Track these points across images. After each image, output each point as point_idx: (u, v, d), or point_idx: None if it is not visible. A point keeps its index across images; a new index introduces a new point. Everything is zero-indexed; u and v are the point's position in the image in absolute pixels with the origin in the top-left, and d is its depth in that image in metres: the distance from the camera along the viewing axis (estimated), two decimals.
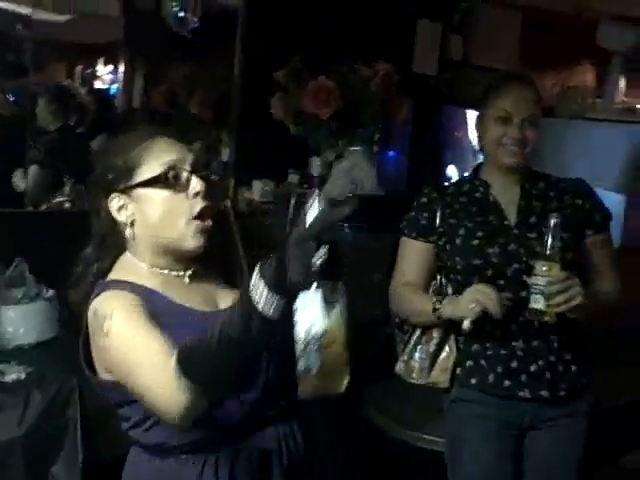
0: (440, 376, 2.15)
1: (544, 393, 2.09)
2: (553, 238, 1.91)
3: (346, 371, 1.27)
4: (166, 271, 1.54)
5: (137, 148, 1.50)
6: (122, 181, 1.50)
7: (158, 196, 1.48)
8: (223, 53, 4.14)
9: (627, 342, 3.63)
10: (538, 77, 5.21)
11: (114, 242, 1.55)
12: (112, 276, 1.53)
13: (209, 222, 1.51)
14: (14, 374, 2.34)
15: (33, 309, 2.59)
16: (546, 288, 1.89)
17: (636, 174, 4.14)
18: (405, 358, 2.20)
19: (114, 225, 1.53)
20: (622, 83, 5.12)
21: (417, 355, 2.17)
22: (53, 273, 2.67)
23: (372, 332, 2.76)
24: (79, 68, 7.78)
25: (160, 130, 1.56)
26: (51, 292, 2.68)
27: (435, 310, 2.06)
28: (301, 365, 1.24)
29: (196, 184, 1.48)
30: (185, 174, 1.49)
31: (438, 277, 2.20)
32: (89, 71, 7.73)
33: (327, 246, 1.19)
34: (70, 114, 4.68)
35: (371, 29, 4.16)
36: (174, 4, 3.75)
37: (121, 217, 1.51)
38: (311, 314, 1.22)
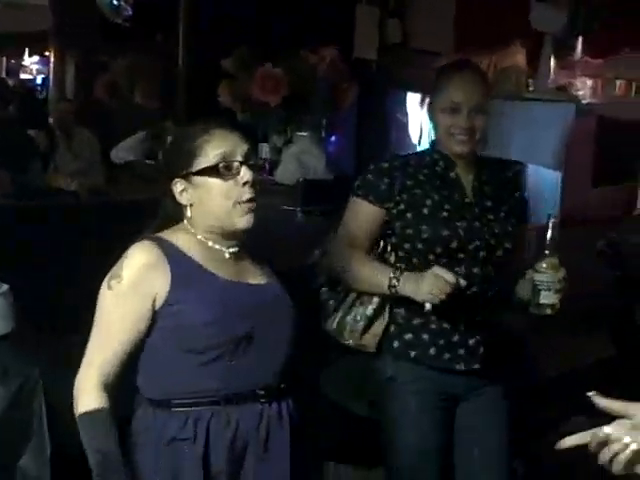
0: (371, 340, 2.14)
1: (476, 366, 2.18)
2: (552, 236, 2.02)
3: None
4: (210, 243, 1.70)
5: (197, 140, 1.67)
6: (183, 168, 1.68)
7: (213, 183, 1.65)
8: (166, 41, 4.14)
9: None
10: (473, 58, 5.34)
11: (175, 220, 1.72)
12: (160, 233, 1.70)
13: (254, 204, 1.66)
14: None
15: None
16: (555, 284, 1.99)
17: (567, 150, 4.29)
18: (338, 317, 2.17)
19: (176, 207, 1.70)
20: (553, 63, 5.28)
21: (351, 316, 2.15)
22: (5, 267, 2.67)
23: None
24: (4, 59, 7.60)
25: (219, 123, 1.71)
26: (5, 287, 2.65)
27: (391, 287, 2.06)
28: None
29: (245, 174, 1.64)
30: (236, 164, 1.64)
31: (382, 243, 2.23)
32: (14, 61, 7.56)
33: None
34: (5, 105, 4.62)
35: (314, 17, 4.21)
36: None
37: (182, 199, 1.68)
38: None
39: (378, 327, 2.15)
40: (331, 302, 2.20)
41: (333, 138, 3.78)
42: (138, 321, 1.64)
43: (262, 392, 1.68)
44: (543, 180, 4.59)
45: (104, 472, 1.57)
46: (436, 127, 2.22)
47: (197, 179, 1.67)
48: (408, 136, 4.57)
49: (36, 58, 7.88)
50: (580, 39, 5.09)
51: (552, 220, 2.02)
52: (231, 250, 1.70)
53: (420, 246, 2.14)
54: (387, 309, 2.15)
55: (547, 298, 2.02)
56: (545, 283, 2.01)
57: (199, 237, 1.69)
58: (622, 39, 5.35)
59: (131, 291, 1.63)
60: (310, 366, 2.91)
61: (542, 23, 4.93)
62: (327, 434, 2.99)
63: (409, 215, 2.14)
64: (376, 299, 2.13)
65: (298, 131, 3.55)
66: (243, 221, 1.65)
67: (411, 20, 4.96)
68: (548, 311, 2.04)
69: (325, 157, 3.50)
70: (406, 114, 4.43)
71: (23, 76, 8.70)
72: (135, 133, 3.87)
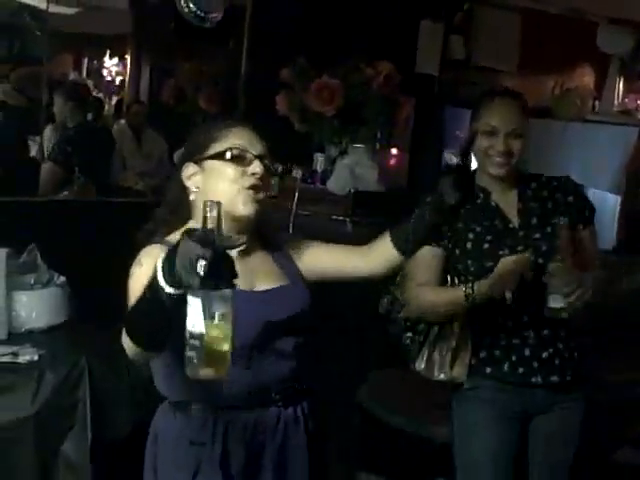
0: (461, 371, 2.22)
1: (554, 378, 2.22)
2: (562, 241, 2.04)
3: (226, 362, 1.34)
4: None
5: (218, 131, 1.71)
6: (197, 154, 1.71)
7: (222, 168, 1.68)
8: (230, 50, 4.24)
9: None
10: (538, 79, 5.33)
11: (182, 208, 1.74)
12: (170, 237, 1.70)
13: (260, 195, 1.68)
14: (27, 356, 2.43)
15: (45, 295, 2.67)
16: (563, 288, 2.02)
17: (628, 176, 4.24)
18: (425, 356, 2.25)
19: (183, 191, 1.73)
20: (620, 86, 5.22)
21: (437, 352, 2.23)
22: (64, 260, 2.79)
23: (369, 324, 2.84)
24: (85, 60, 7.84)
25: (241, 122, 1.77)
26: (62, 279, 2.75)
27: (468, 295, 2.11)
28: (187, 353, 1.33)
29: (256, 166, 1.67)
30: (249, 156, 1.68)
31: (449, 278, 2.29)
32: (95, 62, 7.81)
33: (211, 254, 1.25)
34: (88, 110, 4.79)
35: (375, 30, 4.27)
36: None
37: (189, 183, 1.71)
38: (192, 316, 1.32)
39: (465, 357, 2.22)
40: (414, 344, 2.27)
41: (389, 151, 3.81)
42: None
43: (278, 396, 1.70)
44: (603, 204, 4.54)
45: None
46: (474, 150, 2.27)
47: (208, 164, 1.69)
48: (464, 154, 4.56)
49: (115, 60, 8.12)
50: None
51: (562, 222, 2.04)
52: (240, 247, 1.66)
53: (470, 279, 2.19)
54: (469, 337, 2.22)
55: (556, 302, 2.04)
56: (552, 287, 2.03)
57: None
58: None
59: (147, 267, 1.57)
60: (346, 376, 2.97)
61: (609, 45, 4.88)
62: (359, 443, 3.04)
63: (457, 251, 2.21)
64: (457, 329, 2.21)
65: (353, 143, 3.59)
66: (246, 208, 1.67)
67: (475, 37, 4.97)
68: (560, 314, 2.06)
69: (378, 170, 3.53)
70: (464, 131, 4.42)
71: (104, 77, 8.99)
72: None
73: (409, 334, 2.30)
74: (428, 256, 2.21)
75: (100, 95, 6.19)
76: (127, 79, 5.97)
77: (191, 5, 3.57)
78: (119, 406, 2.50)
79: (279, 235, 1.90)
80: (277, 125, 3.71)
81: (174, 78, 5.04)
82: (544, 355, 2.22)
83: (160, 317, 1.41)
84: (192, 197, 1.71)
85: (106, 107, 5.87)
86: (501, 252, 2.19)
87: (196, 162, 1.71)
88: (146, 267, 1.57)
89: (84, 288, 2.74)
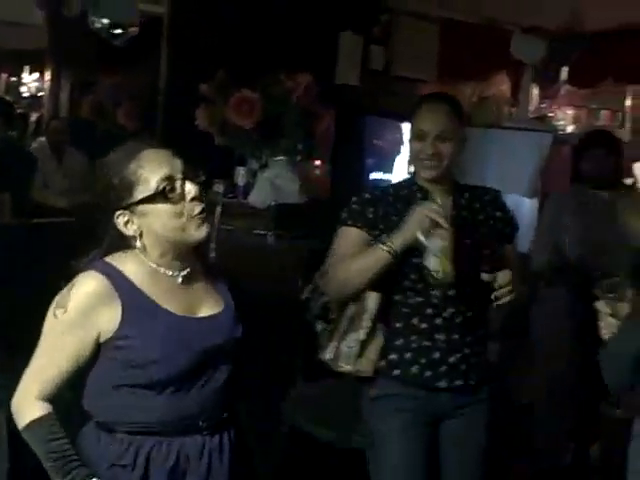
0: (366, 365, 2.23)
1: (458, 382, 2.26)
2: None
3: None
4: (162, 269, 1.69)
5: (131, 165, 1.63)
6: (124, 199, 1.63)
7: (159, 209, 1.63)
8: (149, 64, 4.22)
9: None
10: (456, 87, 5.43)
11: (121, 248, 1.69)
12: (109, 258, 1.67)
13: (205, 215, 1.67)
14: None
15: None
16: (437, 251, 2.08)
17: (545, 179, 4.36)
18: (333, 345, 2.25)
19: (122, 237, 1.67)
20: (534, 93, 5.36)
21: (345, 343, 2.23)
22: None
23: (290, 333, 2.85)
24: (3, 76, 7.66)
25: (146, 143, 1.71)
26: None
27: (388, 250, 2.12)
28: None
29: (190, 189, 1.64)
30: (179, 182, 1.63)
31: None
32: (14, 79, 7.64)
33: None
34: (12, 127, 4.69)
35: (295, 42, 4.30)
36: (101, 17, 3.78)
37: (129, 231, 1.65)
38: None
39: (372, 351, 2.23)
40: (325, 333, 2.29)
41: (309, 163, 3.83)
42: (81, 351, 1.62)
43: (205, 424, 1.69)
44: (521, 208, 4.65)
45: (63, 467, 1.57)
46: (409, 155, 2.34)
47: (142, 208, 1.63)
48: (385, 163, 4.64)
49: (35, 76, 7.98)
50: (563, 70, 5.16)
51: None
52: (183, 273, 1.69)
53: (396, 274, 2.22)
54: (379, 331, 2.23)
55: (431, 263, 2.09)
56: (430, 249, 2.09)
57: (151, 264, 1.67)
58: (605, 70, 5.43)
59: (76, 323, 1.61)
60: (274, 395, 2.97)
61: (523, 53, 5.01)
62: (286, 459, 3.03)
63: None
64: (367, 323, 2.22)
65: (273, 156, 3.60)
66: (199, 233, 1.65)
67: (394, 47, 5.05)
68: (436, 275, 2.10)
69: (299, 182, 3.55)
70: (385, 141, 4.50)
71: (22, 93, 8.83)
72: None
73: (321, 323, 2.31)
74: (353, 236, 2.24)
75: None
76: (46, 95, 5.86)
77: (103, 20, 3.54)
78: None
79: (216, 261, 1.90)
80: (197, 139, 3.70)
81: (93, 94, 4.98)
82: (451, 360, 2.25)
83: None
84: (137, 242, 1.66)
85: None
86: None
87: (125, 208, 1.64)
88: (71, 316, 1.61)
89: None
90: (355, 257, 2.20)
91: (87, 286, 1.61)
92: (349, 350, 2.23)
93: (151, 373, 1.61)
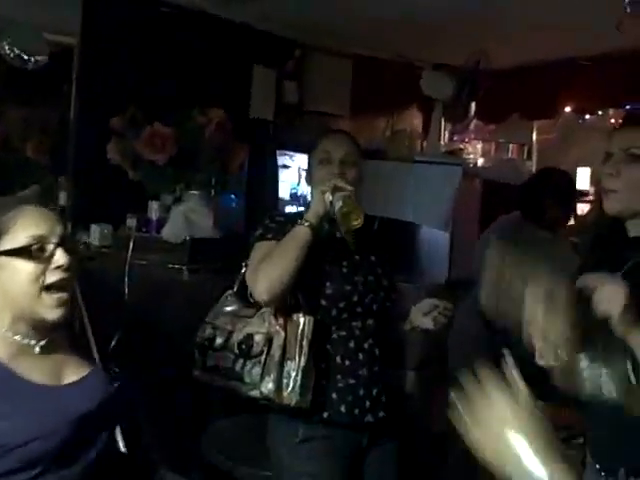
0: (307, 395, 2.19)
1: (381, 414, 2.29)
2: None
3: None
4: (18, 338, 1.56)
5: (7, 215, 1.53)
6: None
7: (19, 265, 1.51)
8: (59, 96, 4.14)
9: None
10: (370, 122, 5.54)
11: None
12: None
13: (66, 294, 1.54)
14: None
15: None
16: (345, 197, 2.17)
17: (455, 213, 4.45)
18: (272, 378, 2.18)
19: None
20: (444, 128, 5.51)
21: (285, 373, 2.19)
22: None
23: None
24: None
25: (31, 197, 1.65)
26: None
27: (303, 224, 2.15)
28: None
29: (60, 257, 1.53)
30: (51, 246, 1.53)
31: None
32: None
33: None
34: None
35: (208, 77, 4.31)
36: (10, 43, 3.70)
37: None
38: None
39: (311, 381, 2.20)
40: (254, 368, 2.21)
41: (224, 197, 3.83)
42: None
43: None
44: (435, 240, 4.74)
45: None
46: (313, 182, 2.36)
47: (2, 260, 1.51)
48: (298, 197, 4.67)
49: None
50: (472, 105, 5.32)
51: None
52: (42, 344, 1.56)
53: (324, 302, 2.23)
54: (310, 362, 2.19)
55: (341, 207, 2.17)
56: (337, 198, 2.18)
57: (4, 331, 1.53)
58: (511, 106, 5.63)
59: None
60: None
61: (432, 89, 5.15)
62: None
63: (309, 273, 2.21)
64: (306, 349, 2.19)
65: (188, 189, 3.58)
66: (52, 313, 1.53)
67: (308, 83, 5.11)
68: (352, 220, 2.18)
69: (213, 216, 3.53)
70: (299, 175, 4.54)
71: None
72: (25, 187, 3.83)
73: (246, 360, 2.23)
74: (272, 246, 2.23)
75: None
76: None
77: (15, 49, 3.47)
78: None
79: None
80: (110, 174, 3.65)
81: (1, 126, 4.86)
82: (374, 393, 2.28)
83: None
84: None
85: None
86: (357, 278, 2.26)
87: None
88: None
89: None
90: (276, 247, 2.19)
91: None
92: (289, 379, 2.18)
93: (29, 452, 1.45)
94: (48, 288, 1.53)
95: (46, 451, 1.48)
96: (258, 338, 2.22)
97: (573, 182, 3.72)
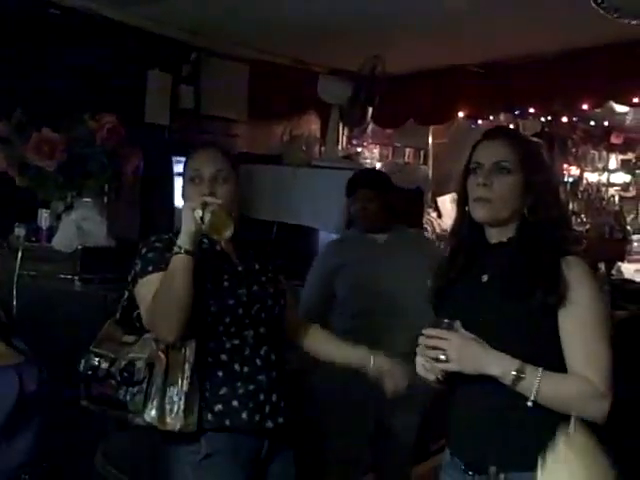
0: (193, 419, 2.15)
1: (280, 420, 2.28)
2: None
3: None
4: None
5: None
6: None
7: None
8: None
9: None
10: (268, 127, 5.54)
11: None
12: None
13: None
14: None
15: None
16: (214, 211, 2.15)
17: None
18: (154, 404, 2.14)
19: None
20: (342, 132, 5.56)
21: (167, 399, 2.14)
22: None
23: None
24: None
25: None
26: None
27: (176, 251, 2.11)
28: None
29: None
30: None
31: None
32: None
33: None
34: None
35: (101, 81, 4.20)
36: None
37: None
38: None
39: (195, 404, 2.16)
40: (136, 396, 2.15)
41: (117, 204, 3.74)
42: None
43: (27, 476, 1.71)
44: None
45: None
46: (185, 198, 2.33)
47: None
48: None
49: None
50: (369, 110, 5.38)
51: None
52: None
53: (209, 319, 2.20)
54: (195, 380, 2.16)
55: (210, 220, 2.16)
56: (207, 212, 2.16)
57: None
58: (406, 111, 5.74)
59: None
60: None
61: (329, 94, 5.19)
62: None
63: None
64: (188, 372, 2.14)
65: (80, 197, 3.48)
66: None
67: (204, 87, 5.06)
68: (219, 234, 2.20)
69: (106, 224, 3.45)
70: None
71: None
72: None
73: (127, 388, 2.19)
74: (152, 284, 2.19)
75: None
76: None
77: None
78: None
79: None
80: None
81: None
82: (274, 398, 2.28)
83: None
84: None
85: None
86: (240, 291, 2.24)
87: None
88: None
89: None
90: (159, 279, 2.16)
91: None
92: (173, 405, 2.14)
93: None
94: None
95: None
96: (140, 364, 2.18)
97: (383, 182, 3.66)
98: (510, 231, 2.01)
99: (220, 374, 2.22)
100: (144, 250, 2.28)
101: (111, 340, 2.28)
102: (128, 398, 2.18)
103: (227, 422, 2.20)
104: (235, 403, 2.21)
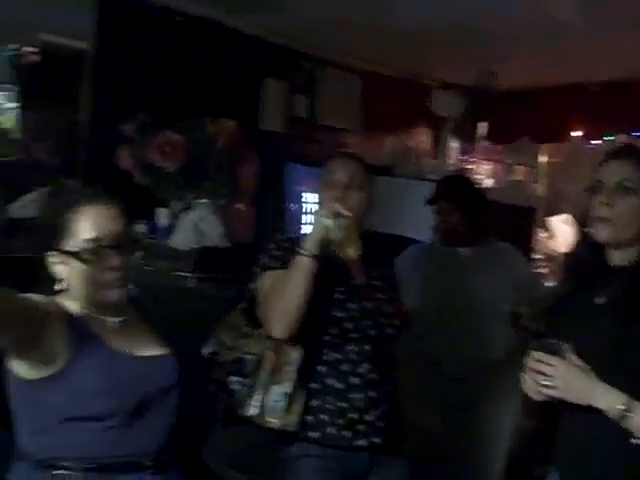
0: (293, 419, 2.19)
1: (376, 440, 2.24)
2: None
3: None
4: (93, 314, 1.75)
5: (68, 217, 1.72)
6: (53, 244, 1.73)
7: (79, 266, 1.70)
8: (70, 100, 4.14)
9: None
10: (378, 138, 5.54)
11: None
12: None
13: (121, 279, 1.73)
14: None
15: None
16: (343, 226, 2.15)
17: None
18: (257, 400, 2.19)
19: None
20: (454, 146, 5.51)
21: (270, 397, 2.18)
22: None
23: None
24: None
25: (94, 195, 1.77)
26: None
27: (303, 254, 2.12)
28: None
29: (110, 260, 1.70)
30: (103, 250, 1.69)
31: None
32: None
33: None
34: None
35: (219, 87, 4.31)
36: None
37: (56, 272, 1.74)
38: None
39: (298, 405, 2.18)
40: (243, 388, 2.20)
41: (233, 207, 3.80)
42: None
43: (149, 462, 1.70)
44: None
45: None
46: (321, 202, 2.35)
47: (66, 257, 1.72)
48: (306, 210, 4.66)
49: None
50: (481, 125, 5.33)
51: None
52: (116, 320, 1.76)
53: (316, 327, 2.21)
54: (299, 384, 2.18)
55: (337, 235, 2.16)
56: (334, 225, 2.15)
57: (83, 309, 1.74)
58: (521, 128, 5.64)
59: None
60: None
61: (442, 108, 5.16)
62: None
63: None
64: (293, 376, 2.17)
65: (197, 198, 3.56)
66: (110, 295, 1.72)
67: (318, 96, 5.11)
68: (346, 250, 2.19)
69: (223, 225, 3.52)
70: (306, 186, 4.53)
71: None
72: (35, 189, 3.83)
73: (236, 378, 2.24)
74: (274, 279, 2.21)
75: None
76: None
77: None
78: None
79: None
80: (119, 178, 3.63)
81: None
82: (369, 418, 2.23)
83: None
84: (64, 284, 1.73)
85: None
86: (351, 305, 2.24)
87: (57, 251, 1.72)
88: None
89: None
90: (279, 279, 2.18)
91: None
92: (275, 404, 2.17)
93: (87, 405, 1.64)
94: (103, 285, 1.71)
95: (108, 409, 1.65)
96: (250, 358, 2.23)
97: (470, 191, 3.39)
98: (633, 254, 1.91)
99: (314, 386, 2.22)
100: (270, 246, 2.31)
101: (233, 328, 2.32)
102: (236, 388, 2.23)
103: (315, 435, 2.21)
104: (323, 417, 2.21)
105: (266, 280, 2.26)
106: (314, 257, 2.13)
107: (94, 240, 1.69)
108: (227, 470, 2.77)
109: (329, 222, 2.12)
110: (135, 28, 4.08)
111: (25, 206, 4.27)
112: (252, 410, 2.19)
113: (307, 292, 2.13)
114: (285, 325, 2.15)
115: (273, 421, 2.18)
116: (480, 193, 3.46)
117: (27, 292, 1.71)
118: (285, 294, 2.15)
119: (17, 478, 1.71)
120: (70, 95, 4.05)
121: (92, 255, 1.68)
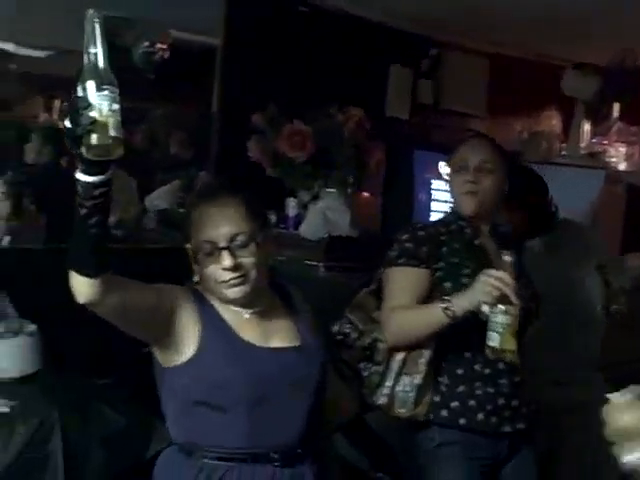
0: (421, 410, 2.17)
1: (520, 426, 2.23)
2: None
3: None
4: (231, 306, 1.79)
5: (194, 217, 1.77)
6: (187, 239, 1.79)
7: (201, 262, 1.75)
8: (201, 94, 4.27)
9: None
10: (506, 122, 5.42)
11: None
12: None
13: (240, 278, 1.73)
14: None
15: (16, 343, 2.63)
16: (502, 326, 1.97)
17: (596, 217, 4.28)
18: (386, 389, 2.19)
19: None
20: (586, 128, 5.32)
21: (400, 387, 2.17)
22: (34, 308, 2.75)
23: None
24: (57, 102, 7.80)
25: (224, 193, 1.79)
26: (33, 327, 2.72)
27: (447, 310, 2.04)
28: None
29: (225, 259, 1.71)
30: (217, 251, 1.72)
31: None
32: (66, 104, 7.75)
33: None
34: (62, 155, 4.75)
35: (345, 75, 4.33)
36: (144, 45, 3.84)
37: (194, 263, 1.79)
38: None
39: (428, 396, 2.17)
40: (374, 376, 2.21)
41: (360, 196, 3.83)
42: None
43: (276, 455, 1.71)
44: None
45: None
46: (451, 190, 2.32)
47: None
48: (434, 197, 4.62)
49: None
50: (615, 106, 5.12)
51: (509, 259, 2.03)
52: (250, 311, 1.78)
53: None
54: (431, 375, 2.17)
55: (492, 338, 2.01)
56: (493, 323, 2.00)
57: (215, 300, 1.78)
58: None
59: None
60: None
61: (574, 89, 4.99)
62: None
63: (447, 284, 2.18)
64: (423, 367, 2.17)
65: (325, 187, 3.61)
66: (231, 293, 1.74)
67: (443, 82, 5.05)
68: (497, 356, 2.03)
69: (350, 214, 3.55)
70: (434, 174, 4.48)
71: None
72: (166, 182, 3.99)
73: (368, 364, 2.24)
74: (414, 278, 2.19)
75: None
76: None
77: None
78: (91, 458, 2.46)
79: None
80: (249, 170, 3.72)
81: (146, 122, 5.04)
82: (514, 403, 2.21)
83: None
84: (196, 277, 1.79)
85: None
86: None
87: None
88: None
89: (55, 336, 2.70)
90: (414, 310, 2.16)
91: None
92: (405, 395, 2.17)
93: (221, 393, 1.67)
94: (220, 282, 1.74)
95: (236, 399, 1.68)
96: (381, 346, 2.21)
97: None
98: None
99: (460, 372, 2.19)
100: (405, 237, 2.25)
101: (363, 310, 2.31)
102: (366, 374, 2.23)
103: (462, 421, 2.17)
104: (472, 403, 2.18)
105: (394, 276, 2.23)
106: (454, 319, 2.06)
107: (208, 242, 1.72)
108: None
109: (487, 310, 1.99)
110: (262, 21, 4.15)
111: (160, 197, 4.46)
112: (380, 400, 2.20)
113: (430, 335, 2.14)
114: (395, 343, 2.18)
115: (402, 412, 2.18)
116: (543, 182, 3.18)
117: (181, 283, 1.80)
118: (410, 326, 2.15)
119: (164, 461, 1.80)
120: (201, 89, 4.17)
121: (206, 256, 1.72)
